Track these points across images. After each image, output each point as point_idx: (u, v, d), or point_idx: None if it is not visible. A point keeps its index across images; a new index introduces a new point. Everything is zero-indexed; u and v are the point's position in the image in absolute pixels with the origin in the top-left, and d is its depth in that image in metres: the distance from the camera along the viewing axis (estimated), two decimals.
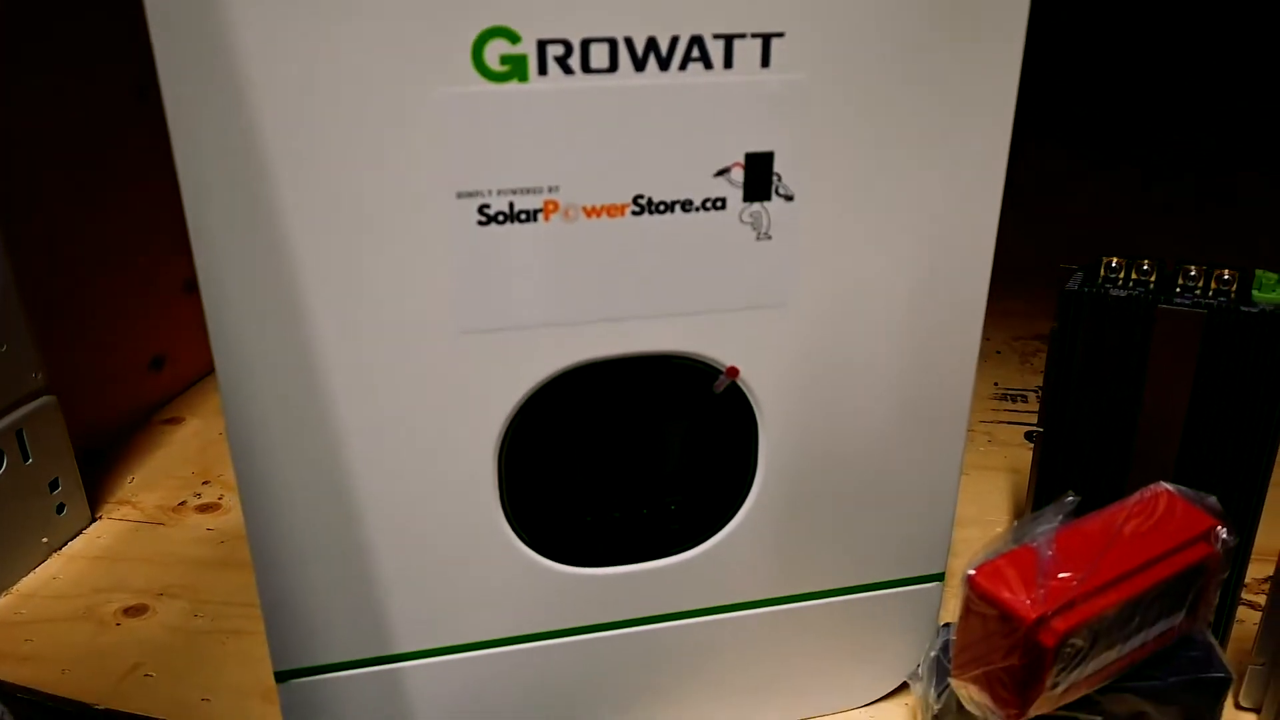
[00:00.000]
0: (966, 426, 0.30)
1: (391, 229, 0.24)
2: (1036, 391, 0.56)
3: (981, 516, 0.44)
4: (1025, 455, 0.49)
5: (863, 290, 0.28)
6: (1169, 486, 0.31)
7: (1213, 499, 0.30)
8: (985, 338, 0.64)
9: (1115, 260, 0.33)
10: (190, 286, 0.54)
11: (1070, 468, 0.35)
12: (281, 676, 0.28)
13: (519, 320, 0.26)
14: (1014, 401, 0.54)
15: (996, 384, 0.56)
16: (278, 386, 0.25)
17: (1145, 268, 0.33)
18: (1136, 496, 0.31)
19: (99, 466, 0.48)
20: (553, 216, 0.25)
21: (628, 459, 0.30)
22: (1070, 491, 0.30)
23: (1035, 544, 0.29)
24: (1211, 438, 0.32)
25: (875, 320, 0.28)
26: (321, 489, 0.26)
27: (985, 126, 0.27)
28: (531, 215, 0.25)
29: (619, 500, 0.30)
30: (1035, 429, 0.36)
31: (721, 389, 0.28)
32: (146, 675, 0.35)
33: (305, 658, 0.28)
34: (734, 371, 0.28)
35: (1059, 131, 0.76)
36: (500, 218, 0.24)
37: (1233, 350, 0.31)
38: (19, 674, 0.35)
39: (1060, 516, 0.30)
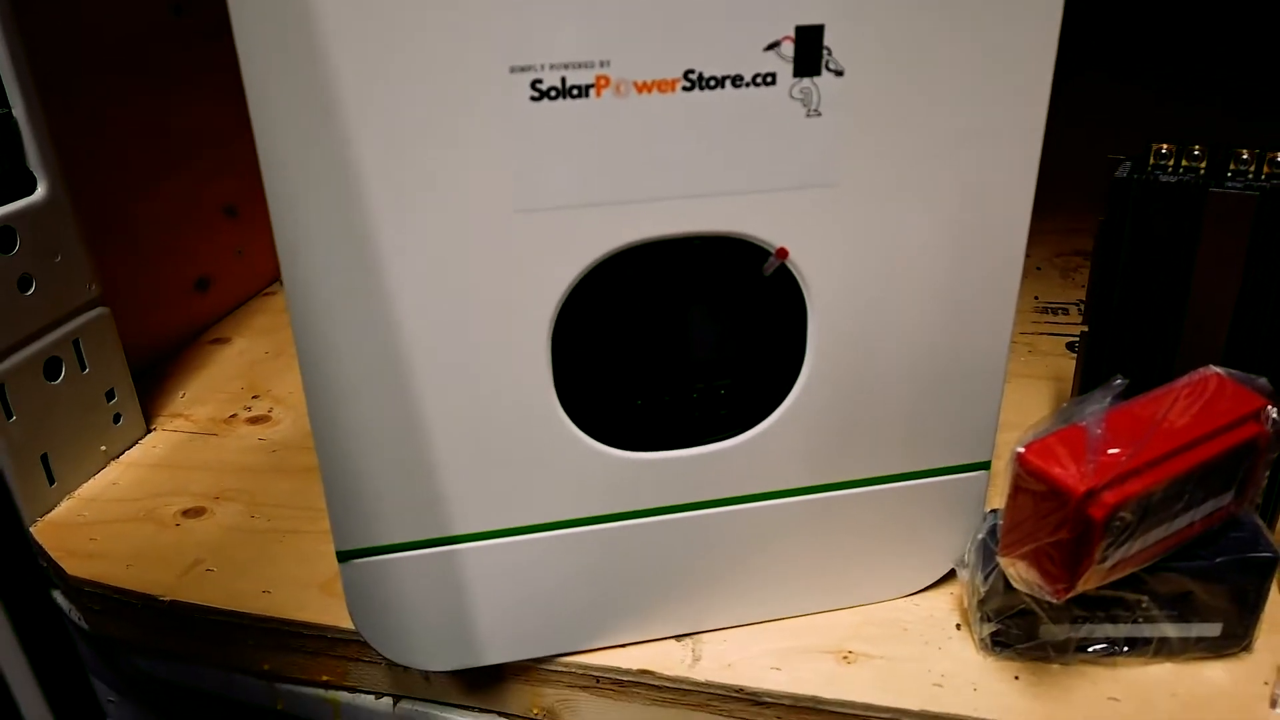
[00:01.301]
0: (1015, 309, 0.30)
1: (444, 103, 0.24)
2: (1078, 305, 0.55)
3: (1023, 421, 0.43)
4: (1066, 364, 0.49)
5: (912, 169, 0.28)
6: (1219, 370, 0.31)
7: (1263, 380, 0.30)
8: (1025, 255, 0.63)
9: (1165, 147, 0.33)
10: (231, 211, 0.55)
11: (1116, 360, 0.35)
12: (343, 556, 0.29)
13: (571, 199, 0.26)
14: (1055, 314, 0.54)
15: (1037, 298, 0.56)
16: (337, 268, 0.26)
17: (1196, 153, 0.33)
18: (1186, 379, 0.31)
19: (150, 383, 0.49)
20: (604, 92, 0.25)
21: (677, 342, 0.30)
22: (1119, 375, 0.30)
23: (1084, 423, 0.29)
24: (1262, 321, 0.32)
25: (924, 199, 0.28)
26: (381, 372, 0.27)
27: (1036, 11, 0.26)
28: (583, 91, 0.25)
29: (669, 384, 0.30)
30: (1078, 335, 0.36)
31: (771, 270, 0.28)
32: (208, 570, 0.36)
33: (366, 538, 0.29)
34: (783, 253, 0.28)
35: (1104, 52, 0.75)
36: (552, 93, 0.25)
37: None
38: (86, 568, 0.36)
39: (1109, 398, 0.30)
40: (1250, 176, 0.32)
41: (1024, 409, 0.45)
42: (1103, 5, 0.72)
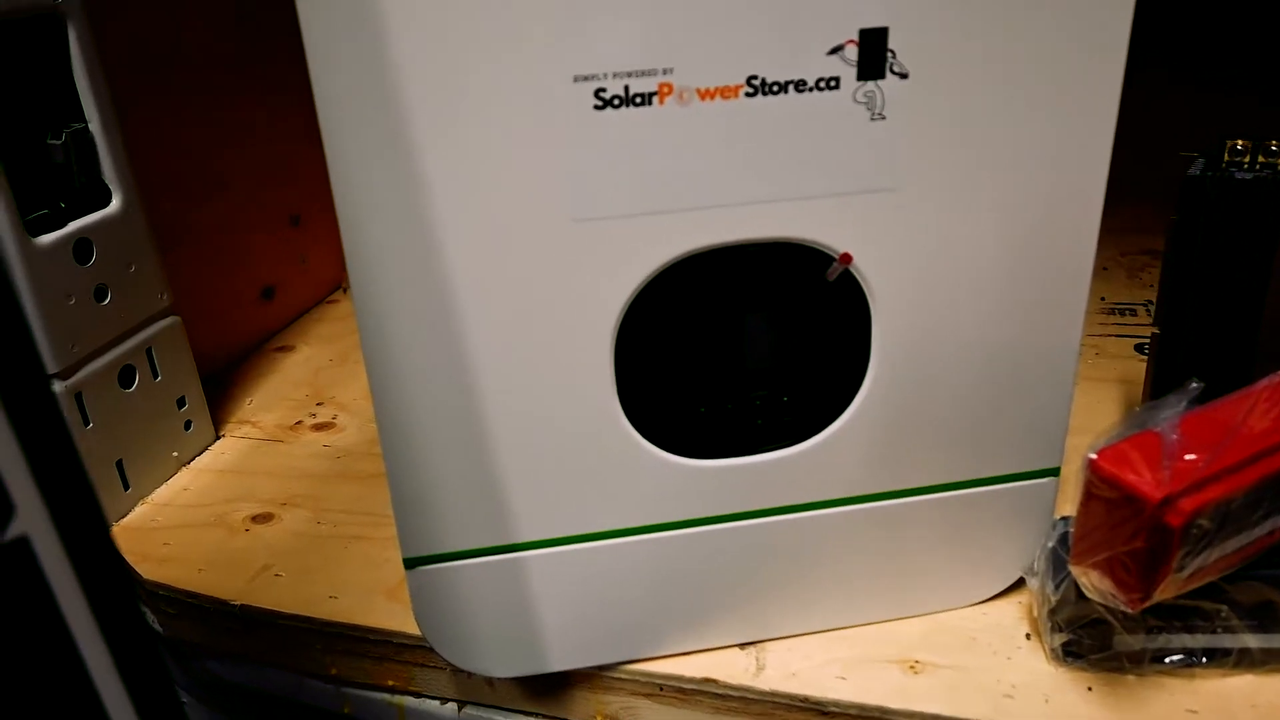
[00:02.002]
0: (1084, 315, 0.30)
1: (509, 113, 0.24)
2: (1146, 305, 0.54)
3: (1092, 425, 0.43)
4: (1135, 367, 0.48)
5: (978, 177, 0.27)
6: None
7: None
8: None
9: (1240, 143, 0.32)
10: (295, 220, 0.56)
11: (1189, 363, 0.34)
12: (410, 563, 0.30)
13: (634, 207, 0.26)
14: (1123, 315, 0.53)
15: (1104, 299, 0.55)
16: (403, 279, 0.26)
17: (1274, 148, 0.32)
18: (1265, 382, 0.30)
19: (218, 390, 0.50)
20: (667, 100, 0.25)
21: (740, 349, 0.30)
22: (1194, 378, 0.30)
23: (1159, 428, 0.28)
24: None
25: (991, 203, 0.28)
26: (446, 381, 0.27)
27: (1105, 12, 0.26)
28: (646, 99, 0.25)
29: (732, 392, 0.30)
30: (1147, 338, 0.35)
31: (834, 276, 0.28)
32: (276, 575, 0.37)
33: (432, 546, 0.29)
34: (847, 258, 0.28)
35: (1170, 45, 0.73)
36: (616, 101, 0.25)
37: None
38: (160, 573, 0.37)
39: (1184, 402, 0.29)
40: None
41: (1093, 413, 0.44)
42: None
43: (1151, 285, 0.56)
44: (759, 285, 0.29)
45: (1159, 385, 0.35)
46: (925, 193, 0.27)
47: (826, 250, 0.27)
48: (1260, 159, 0.32)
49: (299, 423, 0.47)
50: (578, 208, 0.26)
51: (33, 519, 0.15)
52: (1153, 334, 0.36)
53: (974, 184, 0.27)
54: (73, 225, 0.38)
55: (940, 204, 0.27)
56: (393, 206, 0.25)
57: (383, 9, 0.23)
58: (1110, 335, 0.51)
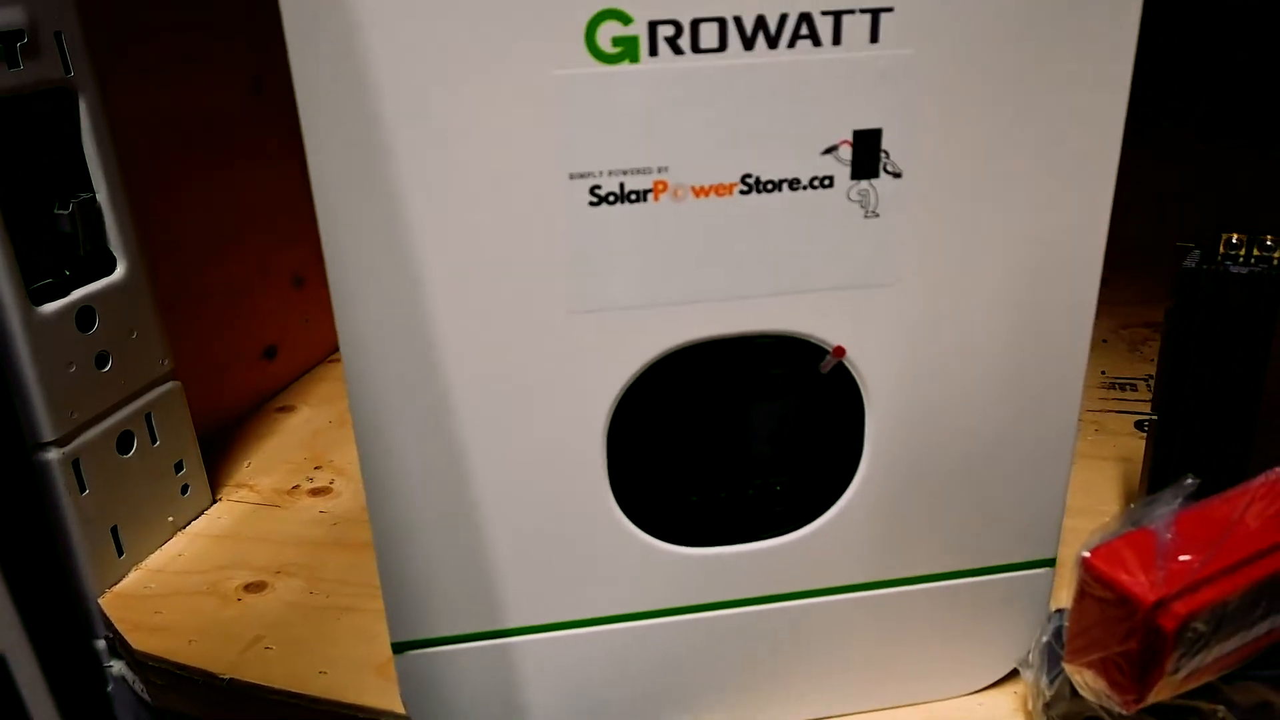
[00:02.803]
0: (1080, 405, 0.30)
1: (506, 209, 0.25)
2: (1147, 380, 0.54)
3: (1091, 506, 0.43)
4: (1135, 445, 0.48)
5: (972, 269, 0.27)
6: None
7: None
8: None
9: (1235, 236, 0.32)
10: (299, 281, 0.57)
11: (1186, 454, 0.34)
12: (398, 648, 0.29)
13: (628, 300, 0.26)
14: (1123, 390, 0.53)
15: (1104, 373, 0.55)
16: (397, 363, 0.26)
17: (1269, 243, 0.32)
18: (1261, 479, 0.30)
19: (217, 451, 0.50)
20: (662, 196, 0.25)
21: (733, 439, 0.30)
22: (1189, 474, 0.30)
23: (1154, 526, 0.28)
24: None
25: (985, 299, 0.28)
26: (437, 466, 0.27)
27: (1099, 100, 0.26)
28: (641, 195, 0.25)
29: (724, 481, 0.30)
30: (1147, 417, 0.35)
31: (828, 369, 0.28)
32: (267, 648, 0.37)
33: (421, 630, 0.29)
34: (841, 351, 0.28)
35: (1171, 111, 0.74)
36: (611, 198, 0.25)
37: None
38: (151, 643, 0.37)
39: (1179, 499, 0.29)
40: None
41: (1092, 492, 0.44)
42: (1166, 63, 0.71)
43: (1152, 359, 0.56)
44: (752, 375, 0.29)
45: (1157, 472, 0.35)
46: (918, 287, 0.27)
47: (820, 343, 0.28)
48: (1255, 252, 0.32)
49: (296, 487, 0.47)
50: (573, 300, 0.26)
51: (8, 638, 0.15)
52: (1151, 420, 0.36)
53: (967, 278, 0.27)
54: (76, 294, 0.38)
55: (933, 298, 0.27)
56: (388, 294, 0.25)
57: (382, 101, 0.23)
58: (1110, 411, 0.51)
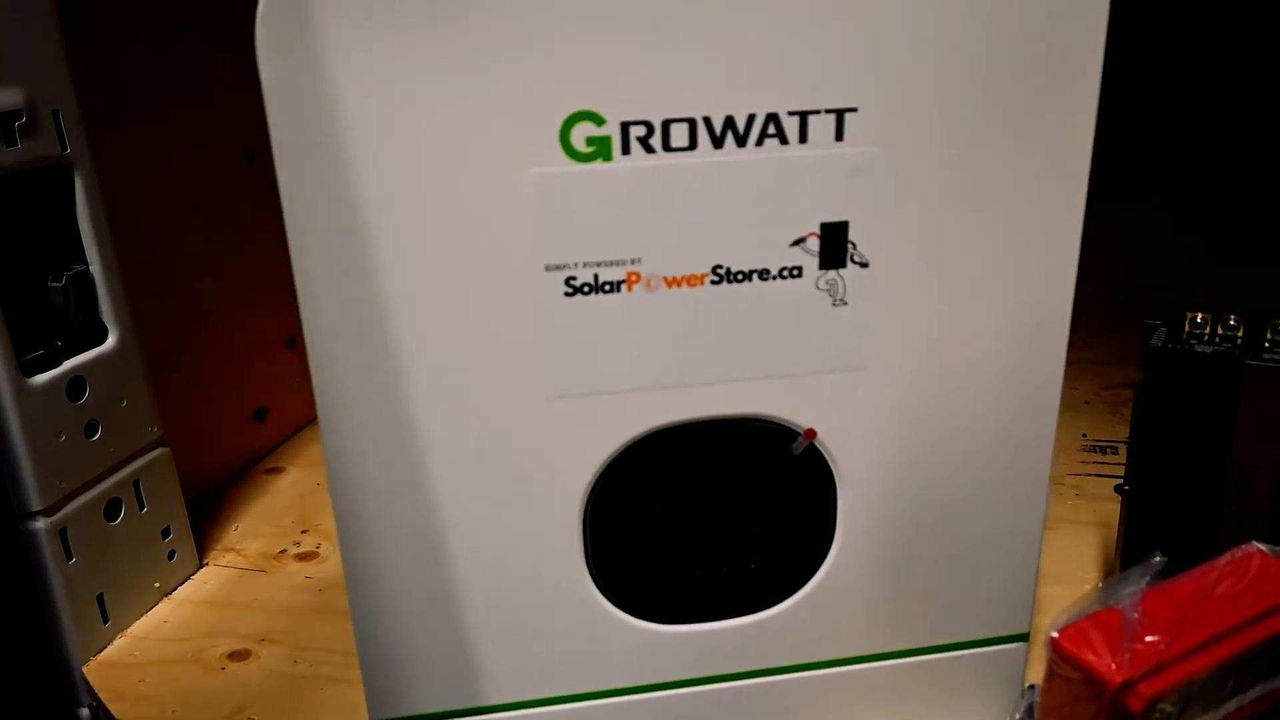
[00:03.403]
0: (1048, 487, 0.30)
1: (483, 299, 0.26)
2: (1127, 443, 0.55)
3: (1070, 573, 0.43)
4: (1116, 509, 0.48)
5: (940, 352, 0.28)
6: (1262, 546, 0.30)
7: None
8: (1073, 387, 0.63)
9: (1200, 316, 0.33)
10: (292, 342, 0.57)
11: (1159, 526, 0.35)
12: None
13: (603, 386, 0.27)
14: (1103, 453, 0.54)
15: (1085, 435, 0.55)
16: (375, 446, 0.27)
17: (1232, 323, 0.33)
18: (1228, 557, 0.30)
19: (205, 513, 0.50)
20: (635, 287, 0.26)
21: (708, 518, 0.30)
22: (1157, 552, 0.30)
23: (1121, 606, 0.28)
24: None
25: (953, 381, 0.28)
26: (416, 545, 0.28)
27: (1060, 186, 0.27)
28: (615, 286, 0.26)
29: (700, 559, 0.31)
30: (1124, 485, 0.36)
31: (800, 450, 0.28)
32: (249, 719, 0.37)
33: (400, 707, 0.29)
34: (812, 433, 0.28)
35: (1147, 176, 0.75)
36: (585, 289, 0.26)
37: None
38: (134, 713, 0.37)
39: (1147, 578, 0.29)
40: None
41: (1070, 558, 0.44)
42: (1138, 127, 0.73)
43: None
44: (725, 456, 0.29)
45: (1130, 543, 0.36)
46: (887, 371, 0.28)
47: (792, 426, 0.28)
48: (1220, 331, 0.33)
49: (283, 551, 0.48)
50: (549, 385, 0.27)
51: None
52: (1125, 490, 0.36)
53: (935, 361, 0.28)
54: (68, 364, 0.39)
55: (901, 380, 0.28)
56: (367, 382, 0.26)
57: (363, 194, 0.24)
58: (1091, 474, 0.52)
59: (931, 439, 0.29)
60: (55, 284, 0.39)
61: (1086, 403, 0.59)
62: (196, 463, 0.49)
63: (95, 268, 0.40)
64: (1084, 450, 0.54)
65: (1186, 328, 0.33)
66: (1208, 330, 0.33)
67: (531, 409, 0.27)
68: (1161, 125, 0.74)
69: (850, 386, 0.28)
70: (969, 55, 0.25)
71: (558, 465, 0.27)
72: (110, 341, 0.41)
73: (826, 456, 0.29)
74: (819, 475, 0.29)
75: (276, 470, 0.55)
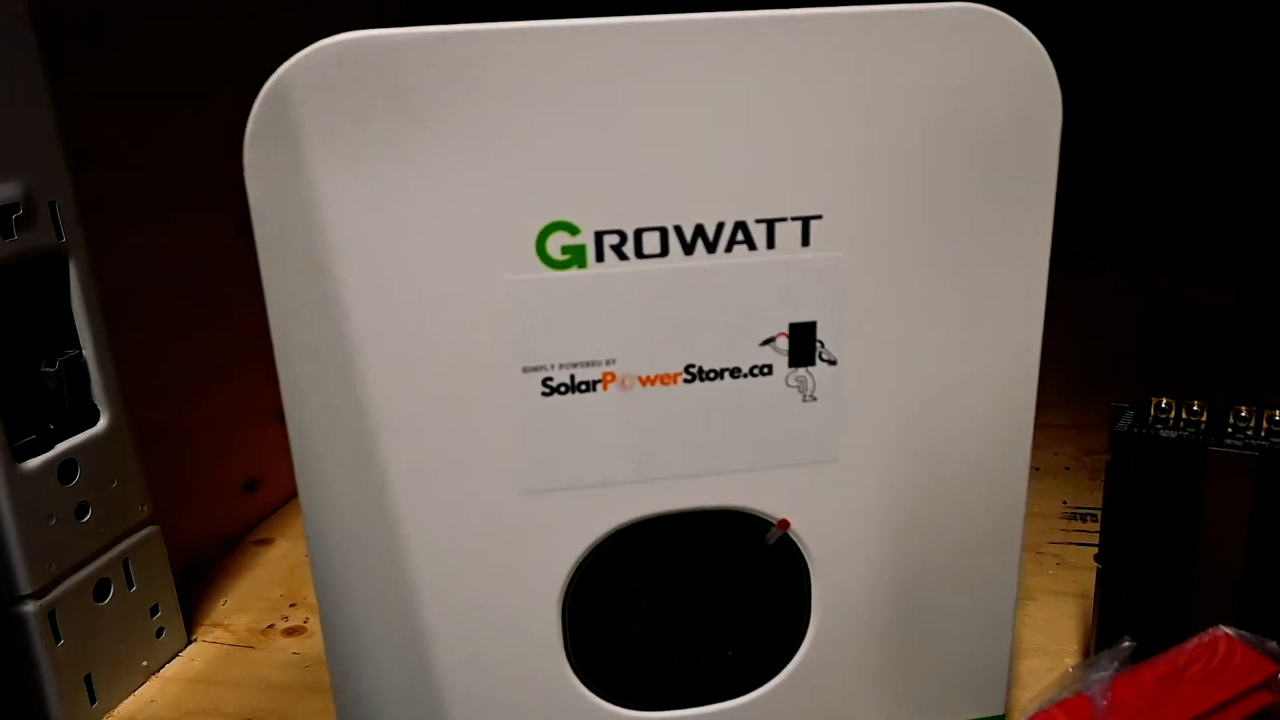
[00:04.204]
0: (1019, 569, 0.31)
1: (462, 399, 0.26)
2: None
3: (1049, 645, 0.44)
4: (1095, 580, 0.49)
5: (909, 441, 0.29)
6: (1229, 630, 0.31)
7: (1274, 644, 0.30)
8: (1054, 452, 0.63)
9: (1164, 400, 0.34)
10: (281, 415, 0.58)
11: (1131, 604, 0.35)
12: None
13: (580, 481, 0.27)
14: (1084, 521, 0.54)
15: (1066, 502, 0.56)
16: (356, 537, 0.27)
17: (1195, 408, 0.33)
18: (1195, 641, 0.31)
19: (194, 587, 0.50)
20: (610, 386, 0.27)
21: (685, 606, 0.31)
22: (1126, 637, 0.31)
23: (1090, 692, 0.29)
24: (1271, 580, 0.32)
25: (923, 469, 0.29)
26: (396, 631, 0.28)
27: (1022, 275, 0.28)
28: (591, 386, 0.27)
29: (678, 646, 0.31)
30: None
31: (774, 540, 0.29)
32: None
33: None
34: (785, 523, 0.29)
35: (1129, 242, 0.77)
36: (562, 388, 0.27)
37: None
38: None
39: (1116, 663, 0.30)
40: (1250, 433, 0.33)
41: (1050, 630, 0.45)
42: (1117, 183, 0.74)
43: None
44: (701, 546, 0.30)
45: (1104, 620, 0.36)
46: (858, 462, 0.29)
47: (765, 517, 0.29)
48: (1184, 415, 0.34)
49: (270, 626, 0.48)
50: (526, 481, 0.27)
51: None
52: (1098, 569, 0.37)
53: (903, 450, 0.29)
54: (59, 448, 0.40)
55: (872, 471, 0.29)
56: (348, 478, 0.27)
57: (346, 298, 0.25)
58: (1071, 543, 0.52)
59: (904, 526, 0.30)
60: (48, 369, 0.40)
61: (1068, 468, 0.60)
62: (186, 535, 0.49)
63: (88, 351, 0.41)
64: (1064, 518, 0.55)
65: (1152, 412, 0.34)
66: (1172, 414, 0.34)
67: (510, 503, 0.27)
68: (1142, 184, 0.75)
69: (822, 478, 0.29)
70: (930, 162, 0.26)
71: (536, 556, 0.28)
72: (102, 423, 0.42)
73: (800, 546, 0.29)
74: (793, 563, 0.30)
75: (266, 541, 0.56)
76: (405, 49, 0.23)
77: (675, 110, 0.25)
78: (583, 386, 0.27)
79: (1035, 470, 0.59)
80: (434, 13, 0.26)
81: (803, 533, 0.29)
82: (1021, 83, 0.26)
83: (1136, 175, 0.75)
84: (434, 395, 0.26)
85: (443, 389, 0.26)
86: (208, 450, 0.53)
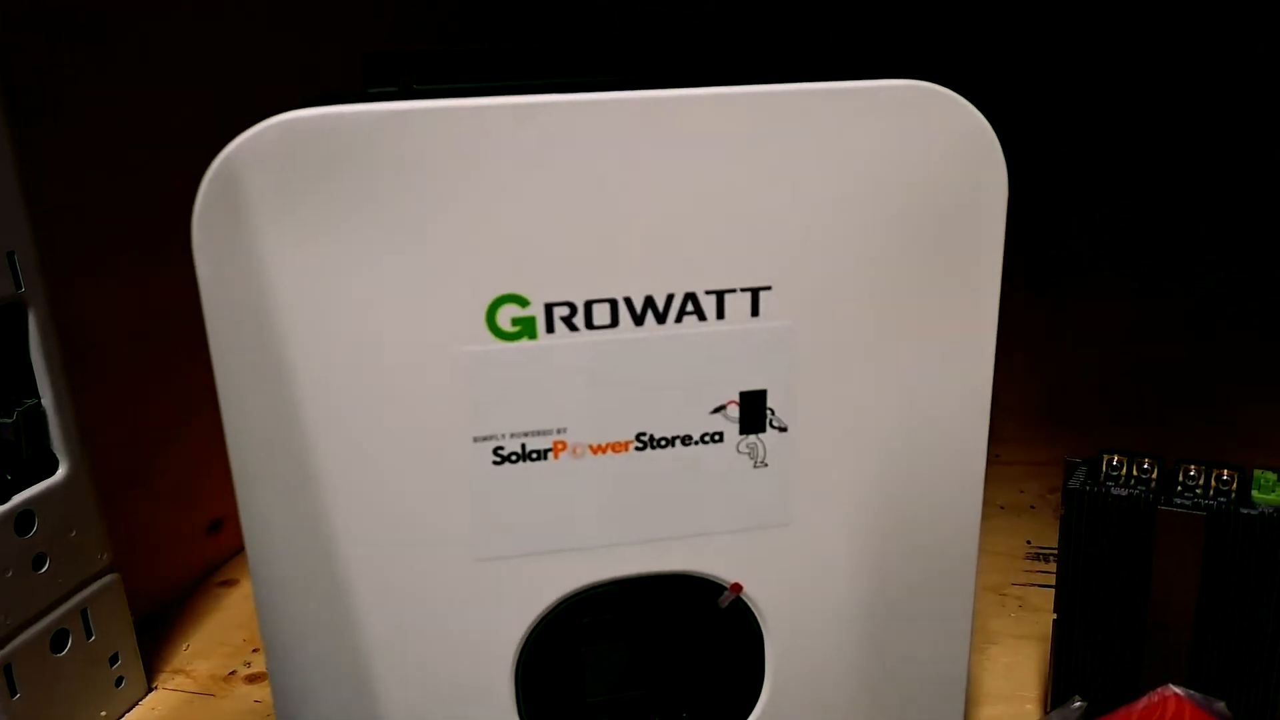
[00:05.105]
0: (971, 624, 0.31)
1: (414, 468, 0.26)
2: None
3: (1012, 692, 0.44)
4: None
5: (860, 504, 0.29)
6: (1178, 690, 0.31)
7: (1221, 704, 0.30)
8: (1019, 490, 0.64)
9: (1116, 458, 0.34)
10: None
11: (1084, 658, 0.36)
12: None
13: (532, 548, 0.28)
14: (1047, 561, 0.54)
15: (1029, 542, 0.56)
16: (308, 604, 0.27)
17: (1145, 465, 0.34)
18: (1145, 700, 0.31)
19: (156, 632, 0.50)
20: (561, 454, 0.27)
21: (639, 670, 0.31)
22: (1077, 696, 0.31)
23: None
24: (1220, 639, 0.33)
25: (874, 531, 0.29)
26: (347, 699, 0.28)
27: (971, 339, 0.29)
28: (542, 454, 0.27)
29: (632, 711, 0.31)
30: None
31: (726, 604, 0.29)
32: None
33: None
34: (738, 587, 0.29)
35: (1106, 270, 0.77)
36: (513, 457, 0.27)
37: (1234, 552, 0.32)
38: None
39: None
40: (1199, 492, 0.33)
41: (1013, 675, 0.45)
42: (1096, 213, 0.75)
43: None
44: (654, 610, 0.30)
45: (1058, 672, 0.36)
46: (810, 526, 0.29)
47: (718, 581, 0.29)
48: (1134, 473, 0.34)
49: (233, 673, 0.48)
50: (478, 549, 0.27)
51: None
52: (1054, 620, 0.37)
53: (854, 513, 0.29)
54: (16, 499, 0.39)
55: (824, 534, 0.29)
56: (298, 545, 0.27)
57: (296, 371, 0.25)
58: (1034, 585, 0.52)
59: (856, 586, 0.30)
60: (6, 420, 0.40)
61: (1032, 507, 0.60)
62: (149, 579, 0.49)
63: (47, 400, 0.41)
64: (1028, 558, 0.55)
65: (1103, 468, 0.34)
66: (1124, 471, 0.34)
67: (463, 570, 0.27)
68: (1120, 213, 0.76)
69: (774, 541, 0.29)
70: (878, 234, 0.27)
71: (488, 623, 0.28)
72: (61, 472, 0.41)
73: (753, 609, 0.30)
74: (747, 626, 0.30)
75: (230, 583, 0.55)
76: (350, 127, 0.23)
77: (623, 184, 0.25)
78: (534, 455, 0.27)
79: (999, 509, 0.60)
80: (390, 75, 0.26)
81: (755, 596, 0.29)
82: (968, 157, 0.26)
83: (1115, 206, 0.76)
84: (385, 465, 0.26)
85: (393, 459, 0.26)
86: (172, 492, 0.53)
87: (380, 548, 0.27)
